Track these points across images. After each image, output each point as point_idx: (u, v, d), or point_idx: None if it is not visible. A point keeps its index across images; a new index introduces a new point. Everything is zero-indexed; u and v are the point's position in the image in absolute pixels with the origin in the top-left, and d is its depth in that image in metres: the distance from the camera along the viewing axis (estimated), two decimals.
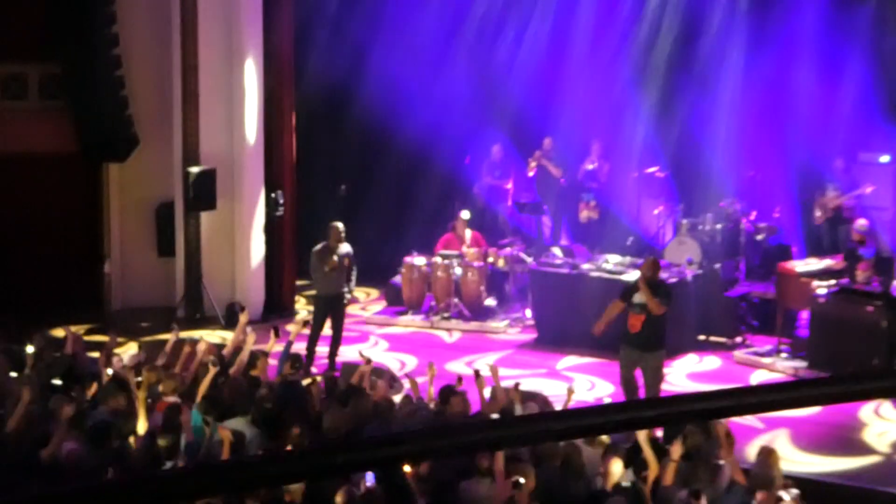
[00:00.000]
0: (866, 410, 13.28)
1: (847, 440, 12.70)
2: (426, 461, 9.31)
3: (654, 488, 9.56)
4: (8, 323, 14.75)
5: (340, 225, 15.15)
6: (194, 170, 17.03)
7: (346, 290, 15.16)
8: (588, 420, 2.54)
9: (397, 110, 18.96)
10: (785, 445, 12.24)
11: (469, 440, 2.47)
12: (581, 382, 14.38)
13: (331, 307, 15.02)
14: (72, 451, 9.87)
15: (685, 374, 14.81)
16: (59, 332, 13.63)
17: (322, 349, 15.03)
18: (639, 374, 12.87)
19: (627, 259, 16.18)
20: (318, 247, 15.12)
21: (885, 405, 13.32)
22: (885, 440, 12.78)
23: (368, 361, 12.32)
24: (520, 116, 19.59)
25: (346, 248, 15.07)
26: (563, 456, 9.73)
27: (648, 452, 9.59)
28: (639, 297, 12.76)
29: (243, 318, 13.59)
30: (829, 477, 11.69)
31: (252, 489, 7.80)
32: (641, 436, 9.60)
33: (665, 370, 13.25)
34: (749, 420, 12.32)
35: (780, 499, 9.09)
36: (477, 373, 11.67)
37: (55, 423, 10.32)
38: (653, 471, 9.56)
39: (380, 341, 16.53)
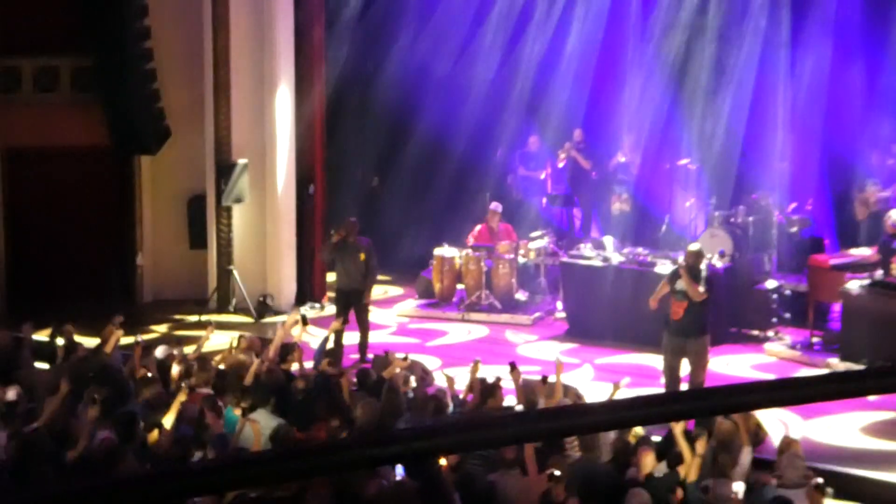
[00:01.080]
0: None
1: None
2: (461, 453, 9.27)
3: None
4: (39, 315, 14.81)
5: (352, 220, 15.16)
6: (234, 162, 17.08)
7: (364, 285, 15.04)
8: (622, 414, 2.52)
9: (428, 102, 18.93)
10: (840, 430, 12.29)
11: (503, 433, 2.46)
12: (613, 375, 14.34)
13: (351, 301, 14.97)
14: (105, 440, 9.91)
15: (749, 365, 14.76)
16: (109, 328, 13.51)
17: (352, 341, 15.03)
18: (684, 363, 12.85)
19: (659, 251, 16.13)
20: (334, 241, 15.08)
21: None
22: None
23: (405, 359, 12.35)
24: (552, 109, 19.53)
25: (363, 242, 15.04)
26: (613, 448, 9.73)
27: (684, 446, 9.52)
28: (681, 284, 12.78)
29: (291, 318, 13.55)
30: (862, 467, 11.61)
31: (282, 482, 7.80)
32: (677, 429, 9.56)
33: (709, 356, 13.20)
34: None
35: (824, 490, 9.05)
36: (513, 365, 11.67)
37: (79, 420, 10.38)
38: (688, 464, 9.49)
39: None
